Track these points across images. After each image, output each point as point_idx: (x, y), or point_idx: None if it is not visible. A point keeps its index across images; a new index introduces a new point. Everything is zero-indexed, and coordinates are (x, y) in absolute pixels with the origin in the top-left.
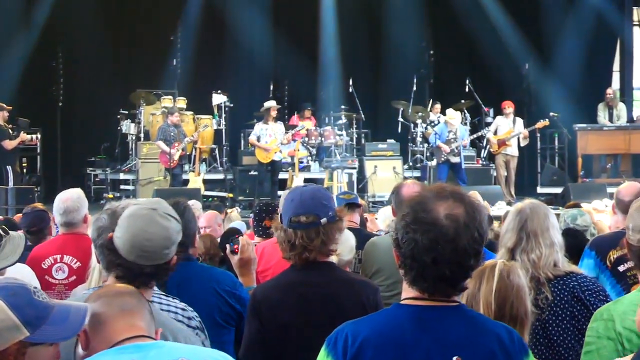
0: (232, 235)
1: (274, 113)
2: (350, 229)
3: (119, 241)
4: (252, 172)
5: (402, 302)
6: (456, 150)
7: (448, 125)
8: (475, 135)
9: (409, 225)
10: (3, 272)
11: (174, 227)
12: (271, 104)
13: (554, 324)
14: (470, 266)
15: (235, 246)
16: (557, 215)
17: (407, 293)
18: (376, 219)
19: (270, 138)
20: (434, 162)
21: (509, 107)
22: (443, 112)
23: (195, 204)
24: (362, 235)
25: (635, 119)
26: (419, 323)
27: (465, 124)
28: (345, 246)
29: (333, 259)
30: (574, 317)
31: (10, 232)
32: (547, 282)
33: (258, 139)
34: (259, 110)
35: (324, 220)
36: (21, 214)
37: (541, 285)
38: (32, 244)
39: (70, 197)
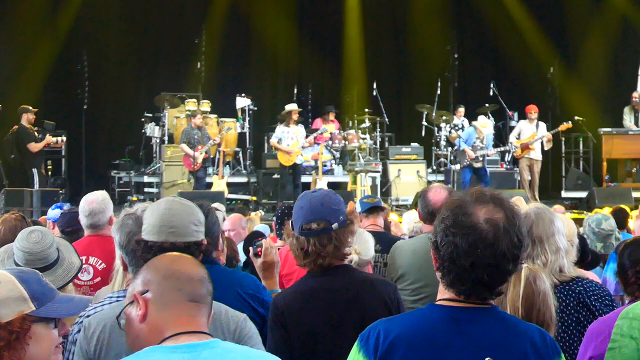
0: (255, 238)
1: (295, 116)
2: (374, 232)
3: (147, 229)
4: (276, 175)
5: (436, 303)
6: (480, 158)
7: (477, 132)
8: (500, 149)
9: (449, 228)
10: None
11: (197, 209)
12: (292, 107)
13: (560, 330)
14: (509, 271)
15: (259, 249)
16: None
17: (443, 294)
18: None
19: (292, 141)
20: (457, 166)
21: (534, 112)
22: (467, 116)
23: (219, 207)
24: (387, 238)
25: None
26: (453, 324)
27: (494, 133)
28: (363, 245)
29: (354, 257)
30: (580, 322)
31: (61, 250)
32: (553, 287)
33: (279, 142)
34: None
35: (335, 225)
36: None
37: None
38: None
39: (96, 200)
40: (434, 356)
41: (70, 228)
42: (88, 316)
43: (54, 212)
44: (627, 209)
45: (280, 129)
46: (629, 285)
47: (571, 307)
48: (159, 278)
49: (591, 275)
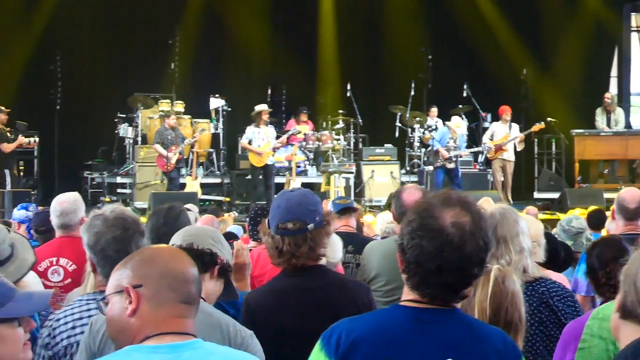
0: (227, 240)
1: (265, 117)
2: (346, 233)
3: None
4: (248, 176)
5: (400, 304)
6: (453, 159)
7: (451, 132)
8: (473, 150)
9: (415, 231)
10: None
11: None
12: (262, 107)
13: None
14: (474, 274)
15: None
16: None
17: (407, 296)
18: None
19: (262, 142)
20: (431, 167)
21: (507, 113)
22: (440, 117)
23: (192, 208)
24: (359, 239)
25: None
26: (415, 324)
27: (467, 133)
28: (331, 248)
29: (322, 261)
30: (542, 323)
31: (15, 246)
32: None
33: (250, 143)
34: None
35: (311, 226)
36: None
37: None
38: (40, 243)
39: (67, 200)
40: (396, 355)
41: (43, 227)
42: (58, 319)
43: (19, 213)
44: (604, 210)
45: (250, 130)
46: (600, 286)
47: (534, 307)
48: (155, 275)
49: (559, 277)
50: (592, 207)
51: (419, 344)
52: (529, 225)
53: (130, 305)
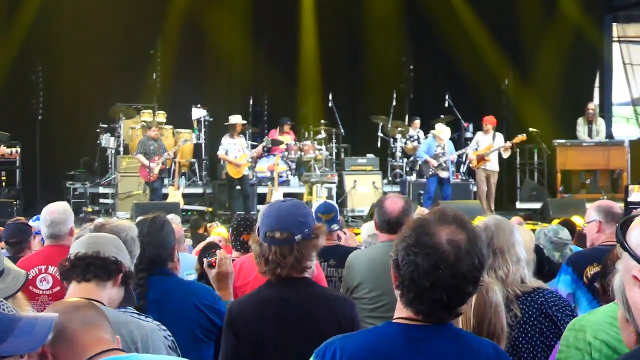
0: (210, 249)
1: (239, 128)
2: (328, 247)
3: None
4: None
5: (393, 321)
6: (444, 165)
7: (437, 140)
8: (459, 152)
9: (410, 247)
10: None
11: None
12: (237, 119)
13: (524, 342)
14: (468, 292)
15: (213, 260)
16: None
17: (400, 313)
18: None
19: (239, 153)
20: (413, 177)
21: (490, 123)
22: (422, 128)
23: (174, 218)
24: (341, 252)
25: None
26: (409, 342)
27: (454, 137)
28: None
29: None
30: (543, 333)
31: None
32: (515, 299)
33: (227, 154)
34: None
35: (298, 237)
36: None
37: (509, 303)
38: (11, 255)
39: (57, 210)
40: None
41: (14, 239)
42: None
43: (34, 224)
44: (574, 222)
45: (227, 141)
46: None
47: (534, 318)
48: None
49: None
50: (563, 218)
51: None
52: (523, 236)
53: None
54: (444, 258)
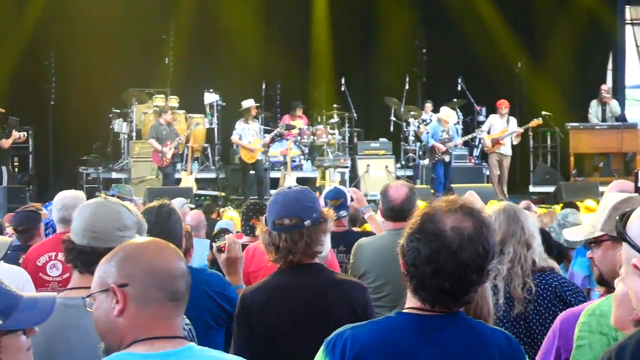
0: (220, 234)
1: (254, 112)
2: (337, 232)
3: (73, 231)
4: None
5: (404, 311)
6: (451, 150)
7: (442, 124)
8: (468, 137)
9: (414, 234)
10: None
11: (126, 212)
12: (250, 102)
13: (536, 321)
14: (473, 281)
15: (222, 245)
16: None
17: (410, 302)
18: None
19: (252, 138)
20: (426, 161)
21: (505, 107)
22: (435, 111)
23: (178, 202)
24: (351, 237)
25: None
26: (420, 332)
27: (458, 122)
28: None
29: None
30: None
31: None
32: (531, 274)
33: (240, 138)
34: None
35: (307, 222)
36: (11, 214)
37: (526, 277)
38: (21, 242)
39: (69, 195)
40: None
41: (22, 227)
42: None
43: (46, 211)
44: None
45: (240, 126)
46: None
47: (548, 300)
48: (141, 273)
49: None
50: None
51: (425, 353)
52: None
53: (117, 305)
54: (446, 245)
